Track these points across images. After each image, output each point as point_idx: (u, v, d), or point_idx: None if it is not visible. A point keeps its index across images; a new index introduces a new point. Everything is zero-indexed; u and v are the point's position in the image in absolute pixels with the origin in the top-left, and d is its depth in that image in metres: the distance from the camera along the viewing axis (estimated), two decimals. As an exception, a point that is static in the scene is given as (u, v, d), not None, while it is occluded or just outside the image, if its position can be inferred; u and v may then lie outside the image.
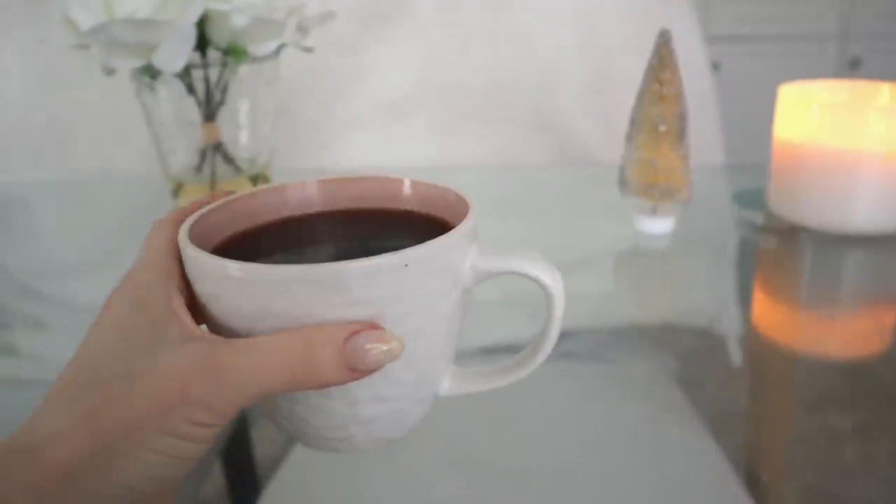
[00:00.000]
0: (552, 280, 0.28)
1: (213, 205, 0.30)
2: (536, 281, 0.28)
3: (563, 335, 0.45)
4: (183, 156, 0.60)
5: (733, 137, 0.93)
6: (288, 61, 0.63)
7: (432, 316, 0.26)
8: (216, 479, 0.36)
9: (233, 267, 0.24)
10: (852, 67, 1.99)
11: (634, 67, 0.56)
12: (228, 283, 0.24)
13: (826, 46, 1.99)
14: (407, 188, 0.32)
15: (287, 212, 0.32)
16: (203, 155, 0.60)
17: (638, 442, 0.36)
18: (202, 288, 0.26)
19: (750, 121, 0.99)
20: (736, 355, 0.45)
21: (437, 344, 0.28)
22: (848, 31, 1.98)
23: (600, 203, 0.65)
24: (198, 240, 0.26)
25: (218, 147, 0.59)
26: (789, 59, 1.94)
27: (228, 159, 0.60)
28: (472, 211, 0.28)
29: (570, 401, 0.39)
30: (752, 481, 0.34)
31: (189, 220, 0.28)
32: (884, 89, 0.59)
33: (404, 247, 0.24)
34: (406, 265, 0.24)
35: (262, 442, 0.38)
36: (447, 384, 0.30)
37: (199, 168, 0.60)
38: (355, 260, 0.24)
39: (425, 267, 0.25)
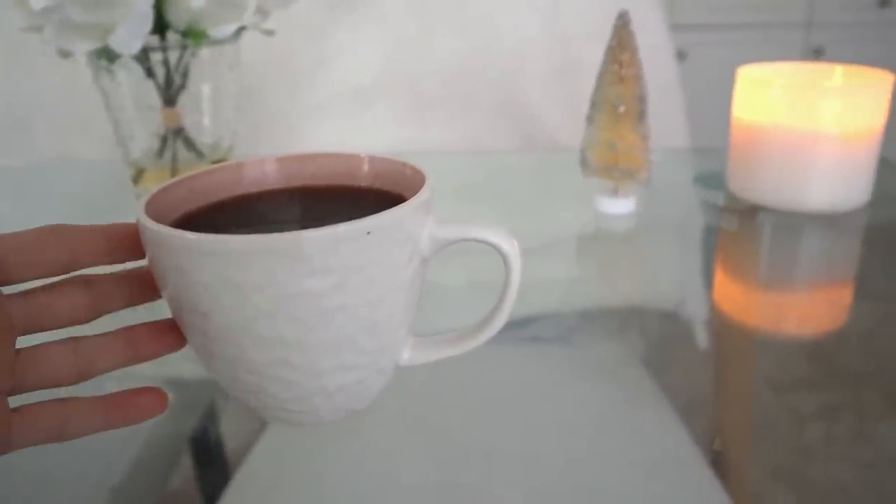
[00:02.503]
0: (509, 245, 0.28)
1: (169, 182, 0.30)
2: (493, 246, 0.28)
3: (531, 319, 0.45)
4: (143, 141, 0.59)
5: (699, 123, 0.94)
6: (253, 46, 0.62)
7: (393, 285, 0.27)
8: (184, 467, 0.36)
9: (192, 238, 0.24)
10: (816, 56, 2.02)
11: (599, 54, 0.56)
12: (188, 255, 0.24)
13: (790, 35, 2.02)
14: (364, 164, 0.32)
15: (244, 188, 0.32)
16: (164, 140, 0.59)
17: (605, 423, 0.36)
18: (162, 262, 0.25)
19: (715, 107, 1.00)
20: (701, 336, 0.46)
21: (398, 313, 0.28)
22: (812, 20, 2.02)
23: (565, 186, 0.66)
24: (154, 216, 0.26)
25: (179, 132, 0.59)
26: (755, 47, 1.97)
27: (190, 144, 0.59)
28: (429, 182, 0.28)
29: (537, 384, 0.40)
30: (719, 462, 0.34)
31: (145, 197, 0.28)
32: (838, 71, 0.60)
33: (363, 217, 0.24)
34: (368, 233, 0.24)
35: (231, 430, 0.38)
36: (407, 354, 0.30)
37: (160, 153, 0.59)
38: (314, 228, 0.24)
39: (384, 235, 0.25)
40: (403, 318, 0.28)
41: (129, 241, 0.27)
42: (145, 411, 0.27)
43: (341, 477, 0.33)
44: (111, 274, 0.27)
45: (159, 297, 0.28)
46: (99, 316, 0.27)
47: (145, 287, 0.28)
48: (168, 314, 0.28)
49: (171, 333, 0.28)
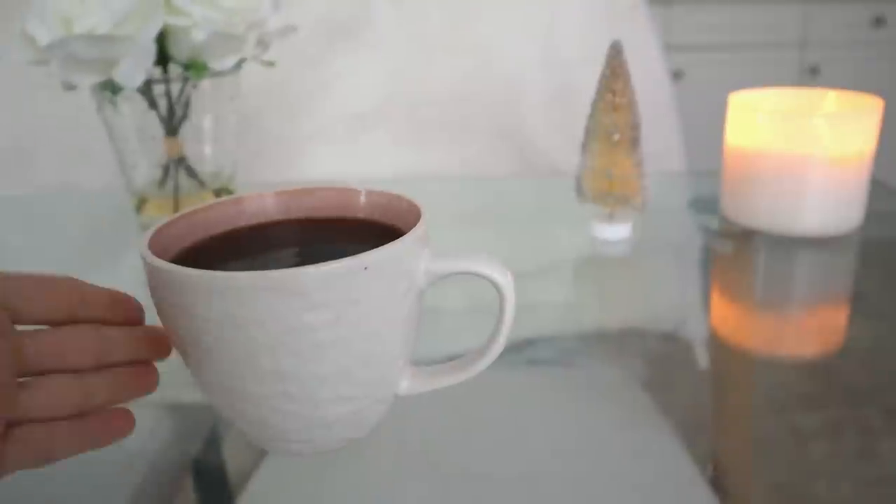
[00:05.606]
0: (502, 277, 0.29)
1: (170, 217, 0.30)
2: (487, 278, 0.29)
3: (530, 342, 0.46)
4: (146, 171, 0.60)
5: (697, 144, 0.95)
6: (252, 75, 0.63)
7: (389, 317, 0.27)
8: (187, 493, 0.36)
9: (195, 274, 0.25)
10: (812, 74, 2.04)
11: (595, 79, 0.57)
12: (191, 290, 0.25)
13: (786, 55, 2.04)
14: (361, 197, 0.33)
15: (244, 222, 0.33)
16: (166, 169, 0.60)
17: (605, 445, 0.36)
18: (165, 298, 0.26)
19: (713, 128, 1.01)
20: (699, 357, 0.46)
21: (394, 345, 0.28)
22: (806, 39, 2.03)
23: (562, 212, 0.66)
24: (156, 251, 0.27)
25: (181, 161, 0.60)
26: (751, 66, 1.99)
27: (192, 173, 0.60)
28: (424, 216, 0.29)
29: (537, 406, 0.40)
30: (719, 484, 0.34)
31: (148, 233, 0.28)
32: (830, 96, 0.61)
33: (360, 253, 0.25)
34: (365, 268, 0.25)
35: (233, 456, 0.38)
36: (405, 384, 0.31)
37: (162, 183, 0.60)
38: (314, 265, 0.24)
39: (381, 270, 0.26)
40: (400, 350, 0.29)
41: (129, 306, 0.29)
42: (119, 431, 0.28)
43: (343, 503, 0.34)
44: (123, 328, 0.28)
45: (166, 355, 0.29)
46: (102, 366, 0.27)
47: (154, 344, 0.29)
48: None
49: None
